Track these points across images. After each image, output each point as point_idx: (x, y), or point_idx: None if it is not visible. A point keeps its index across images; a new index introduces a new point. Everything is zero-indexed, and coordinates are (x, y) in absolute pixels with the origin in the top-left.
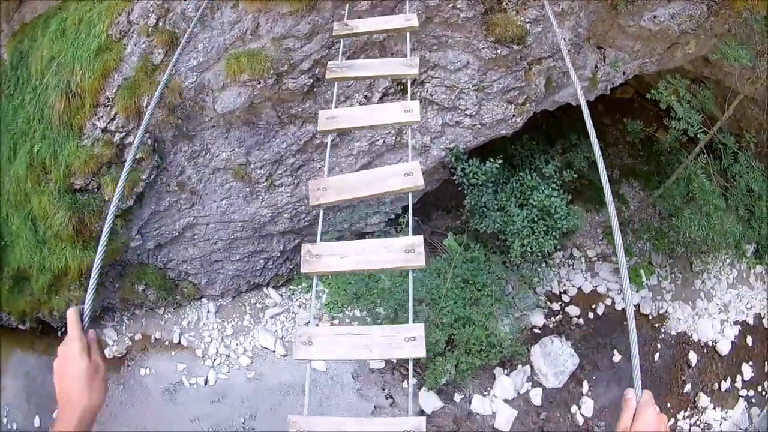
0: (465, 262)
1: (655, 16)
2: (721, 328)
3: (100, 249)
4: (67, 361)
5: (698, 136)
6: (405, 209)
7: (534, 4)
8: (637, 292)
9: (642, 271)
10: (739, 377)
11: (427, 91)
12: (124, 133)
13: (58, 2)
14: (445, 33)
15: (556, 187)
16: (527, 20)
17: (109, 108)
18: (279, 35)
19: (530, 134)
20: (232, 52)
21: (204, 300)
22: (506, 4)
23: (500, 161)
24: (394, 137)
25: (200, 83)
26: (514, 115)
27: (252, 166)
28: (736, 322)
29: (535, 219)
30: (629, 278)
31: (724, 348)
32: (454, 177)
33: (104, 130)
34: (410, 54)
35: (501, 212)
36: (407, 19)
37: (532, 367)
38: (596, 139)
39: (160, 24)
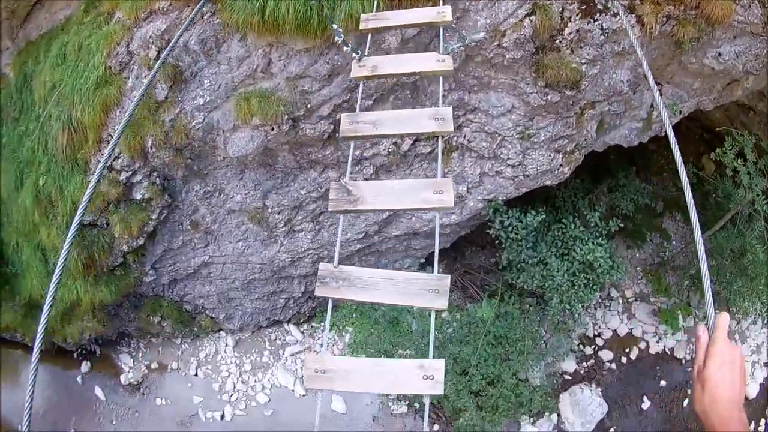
0: (498, 317)
1: (719, 54)
2: (751, 370)
3: None
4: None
5: (765, 209)
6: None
7: (591, 42)
8: (672, 335)
9: (679, 312)
10: (763, 420)
11: (464, 137)
12: (130, 173)
13: (61, 22)
14: (487, 73)
15: (601, 240)
16: (583, 61)
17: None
18: (294, 75)
19: (574, 171)
20: (241, 90)
21: (222, 333)
22: (560, 42)
23: (542, 215)
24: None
25: (208, 123)
26: (561, 165)
27: (269, 210)
28: (766, 364)
29: (576, 272)
30: (665, 321)
31: (752, 391)
32: (491, 231)
33: (110, 168)
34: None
35: (540, 265)
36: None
37: (559, 415)
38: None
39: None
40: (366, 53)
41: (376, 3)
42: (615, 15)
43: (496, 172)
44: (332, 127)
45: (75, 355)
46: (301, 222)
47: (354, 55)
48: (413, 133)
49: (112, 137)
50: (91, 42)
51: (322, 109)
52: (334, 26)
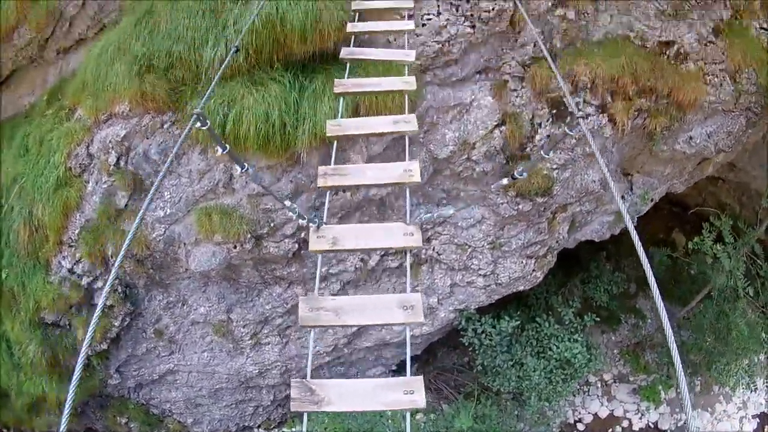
0: (476, 420)
1: (690, 138)
2: (740, 426)
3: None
4: None
5: (747, 290)
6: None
7: (563, 146)
8: (655, 409)
9: (660, 387)
10: None
11: (434, 249)
12: (91, 278)
13: (26, 108)
14: (456, 186)
15: (577, 336)
16: (554, 166)
17: (73, 249)
18: (256, 192)
19: None
20: (203, 205)
21: None
22: (530, 149)
23: (517, 320)
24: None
25: (170, 236)
26: (534, 270)
27: (234, 323)
28: (754, 416)
29: (553, 369)
30: (647, 397)
31: None
32: (464, 338)
33: (71, 271)
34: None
35: (516, 367)
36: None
37: None
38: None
39: (122, 163)
40: (324, 220)
41: (340, 111)
42: (586, 117)
43: (467, 282)
44: (297, 245)
45: None
46: (267, 336)
47: (311, 225)
48: (379, 324)
49: (72, 240)
50: (53, 137)
51: (286, 228)
52: (287, 203)
